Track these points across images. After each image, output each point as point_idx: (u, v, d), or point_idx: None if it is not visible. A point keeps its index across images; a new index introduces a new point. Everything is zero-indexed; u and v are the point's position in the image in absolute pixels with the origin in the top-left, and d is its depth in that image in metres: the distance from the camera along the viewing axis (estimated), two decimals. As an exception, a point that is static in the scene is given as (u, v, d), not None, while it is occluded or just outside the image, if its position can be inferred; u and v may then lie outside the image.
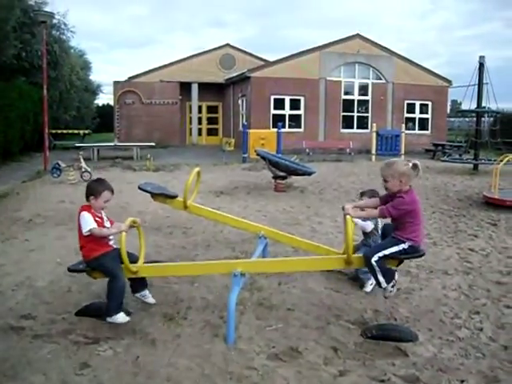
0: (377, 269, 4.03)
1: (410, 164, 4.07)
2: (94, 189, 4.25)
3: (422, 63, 28.52)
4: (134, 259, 4.31)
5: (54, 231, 7.47)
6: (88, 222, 4.12)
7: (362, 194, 5.43)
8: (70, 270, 4.31)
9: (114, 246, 4.30)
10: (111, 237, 4.31)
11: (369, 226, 5.19)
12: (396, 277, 4.47)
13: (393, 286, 4.18)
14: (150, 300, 4.47)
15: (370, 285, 5.00)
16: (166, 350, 3.74)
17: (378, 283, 4.13)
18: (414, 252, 4.12)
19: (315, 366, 3.53)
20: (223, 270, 4.27)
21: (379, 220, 5.15)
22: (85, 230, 4.12)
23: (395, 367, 3.50)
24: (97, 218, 4.20)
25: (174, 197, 5.69)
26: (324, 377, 3.38)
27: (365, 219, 5.18)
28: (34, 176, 14.42)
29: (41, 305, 4.57)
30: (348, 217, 4.04)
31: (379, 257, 4.03)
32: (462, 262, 6.06)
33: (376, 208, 4.23)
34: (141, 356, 3.64)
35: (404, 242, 4.03)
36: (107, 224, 4.29)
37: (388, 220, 4.30)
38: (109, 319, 4.02)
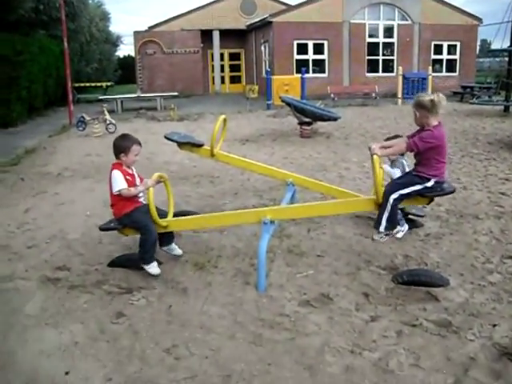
0: (388, 208, 4.04)
1: (432, 96, 4.04)
2: (123, 145, 4.25)
3: (450, 1, 27.36)
4: (163, 214, 4.35)
5: (82, 184, 7.56)
6: (118, 182, 4.14)
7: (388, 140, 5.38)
8: (101, 229, 4.38)
9: (144, 202, 4.33)
10: (141, 194, 4.34)
11: (395, 173, 5.04)
12: (399, 233, 4.49)
13: (386, 235, 4.20)
14: (177, 252, 4.51)
15: (401, 231, 4.96)
16: (198, 298, 3.80)
17: (378, 223, 4.11)
18: (440, 188, 4.10)
19: (346, 311, 3.55)
20: (253, 219, 4.26)
21: (406, 166, 5.07)
22: (114, 190, 4.16)
23: (427, 312, 3.50)
24: (127, 177, 4.22)
25: (200, 145, 5.67)
26: (356, 322, 3.40)
27: (392, 166, 5.13)
28: (60, 130, 14.51)
29: (74, 256, 4.67)
30: (375, 156, 3.99)
31: (400, 194, 4.03)
32: (493, 206, 5.95)
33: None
34: (173, 305, 3.70)
35: (429, 180, 4.04)
36: (138, 181, 4.31)
37: None
38: (142, 266, 4.15)
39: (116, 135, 4.58)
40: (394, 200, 4.03)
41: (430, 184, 4.04)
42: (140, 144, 4.35)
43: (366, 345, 3.12)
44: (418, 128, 4.21)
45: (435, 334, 3.23)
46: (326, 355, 3.02)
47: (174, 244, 4.51)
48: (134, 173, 4.36)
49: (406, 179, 4.18)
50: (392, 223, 4.14)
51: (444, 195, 4.39)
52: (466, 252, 4.59)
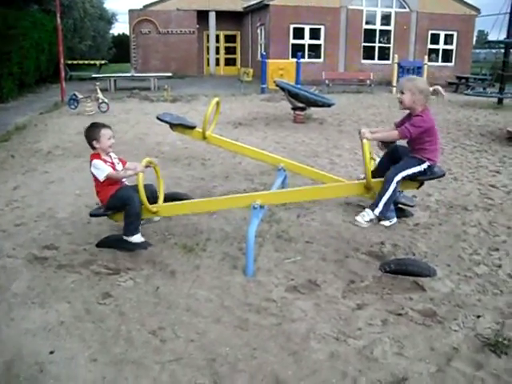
0: (390, 190, 4.06)
1: (431, 88, 4.16)
2: (92, 134, 4.24)
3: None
4: (153, 191, 4.38)
5: (73, 163, 7.50)
6: (102, 169, 4.15)
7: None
8: (91, 215, 4.42)
9: (127, 183, 4.36)
10: (124, 179, 4.36)
11: None
12: (386, 222, 4.42)
13: (370, 221, 4.17)
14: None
15: (388, 221, 4.95)
16: (186, 281, 3.79)
17: (375, 205, 4.12)
18: (431, 172, 4.21)
19: (333, 298, 3.56)
20: (243, 204, 4.28)
21: None
22: (101, 177, 4.16)
23: (412, 301, 3.52)
24: (108, 164, 4.21)
25: (192, 127, 5.62)
26: (342, 310, 3.41)
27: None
28: (51, 108, 14.36)
29: (62, 236, 4.64)
30: (365, 141, 4.03)
31: (403, 176, 4.09)
32: (483, 198, 5.98)
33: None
34: (161, 287, 3.70)
35: (424, 162, 4.15)
36: (119, 167, 4.31)
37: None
38: (125, 237, 4.23)
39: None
40: (398, 182, 4.08)
41: (425, 166, 4.14)
42: (109, 127, 4.34)
43: (351, 332, 3.13)
44: (404, 114, 4.26)
45: (420, 323, 3.25)
46: (311, 341, 3.04)
47: None
48: (113, 160, 4.34)
49: (405, 162, 4.22)
50: (387, 209, 4.15)
51: (435, 178, 4.48)
52: (453, 243, 4.61)
